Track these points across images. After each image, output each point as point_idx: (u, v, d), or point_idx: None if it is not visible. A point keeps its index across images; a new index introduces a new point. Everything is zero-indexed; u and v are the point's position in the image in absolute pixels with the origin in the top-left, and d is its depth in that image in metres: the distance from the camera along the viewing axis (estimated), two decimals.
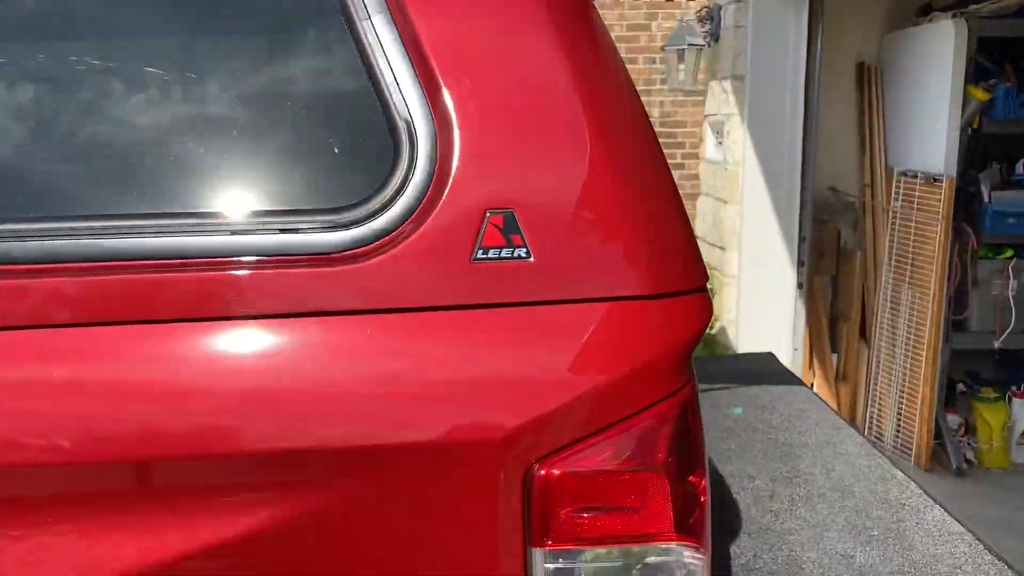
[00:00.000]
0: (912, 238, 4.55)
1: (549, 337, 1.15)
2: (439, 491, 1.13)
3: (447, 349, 1.14)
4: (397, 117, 1.13)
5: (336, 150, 1.20)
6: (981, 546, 1.96)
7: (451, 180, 1.13)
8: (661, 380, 1.16)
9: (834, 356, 5.14)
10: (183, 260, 1.11)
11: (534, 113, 1.16)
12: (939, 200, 4.37)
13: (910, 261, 4.57)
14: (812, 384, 5.14)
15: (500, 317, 1.15)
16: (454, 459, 1.12)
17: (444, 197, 1.13)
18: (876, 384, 4.84)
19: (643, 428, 1.14)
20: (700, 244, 6.67)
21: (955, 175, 4.39)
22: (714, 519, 2.19)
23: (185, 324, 1.12)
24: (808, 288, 5.06)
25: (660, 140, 1.27)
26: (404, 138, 1.13)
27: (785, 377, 3.09)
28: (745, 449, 2.50)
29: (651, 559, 1.14)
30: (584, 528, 1.13)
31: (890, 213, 4.71)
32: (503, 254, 1.14)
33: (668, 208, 1.22)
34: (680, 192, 1.26)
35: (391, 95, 1.13)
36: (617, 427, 1.14)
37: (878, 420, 4.82)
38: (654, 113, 6.96)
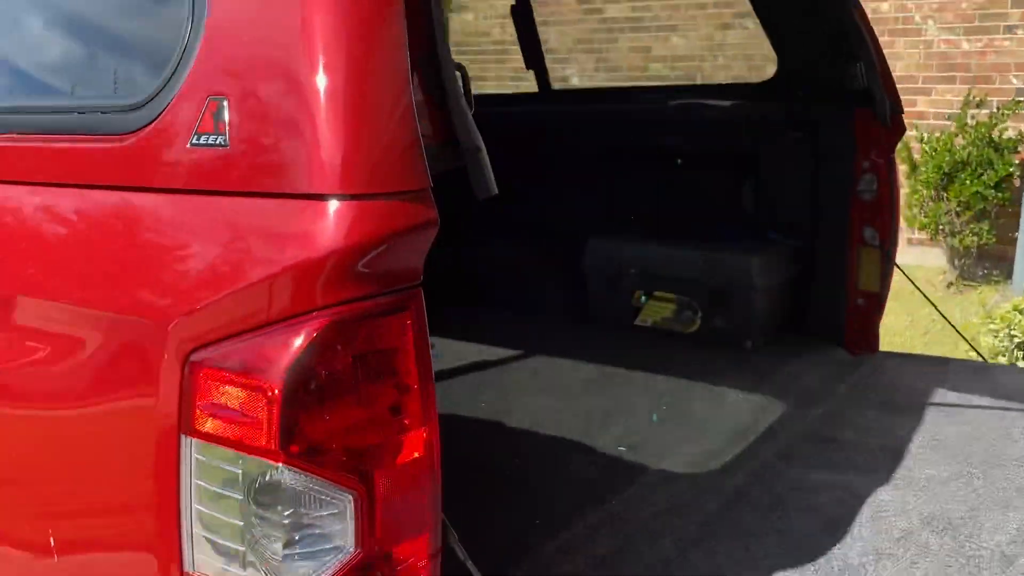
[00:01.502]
0: None
1: (222, 230, 1.15)
2: (119, 360, 1.22)
3: (143, 232, 1.23)
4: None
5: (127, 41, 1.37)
6: None
7: (191, 68, 1.18)
8: (306, 291, 1.07)
9: None
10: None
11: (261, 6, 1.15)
12: None
13: None
14: None
15: (193, 203, 1.18)
16: (128, 333, 1.20)
17: (183, 84, 1.19)
18: None
19: (272, 338, 1.07)
20: None
21: None
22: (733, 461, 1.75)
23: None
24: None
25: None
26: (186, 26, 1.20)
27: None
28: (893, 454, 1.96)
29: (263, 474, 1.08)
30: (213, 425, 1.11)
31: None
32: (209, 141, 1.15)
33: (377, 112, 1.10)
34: None
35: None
36: (256, 331, 1.09)
37: None
38: None
